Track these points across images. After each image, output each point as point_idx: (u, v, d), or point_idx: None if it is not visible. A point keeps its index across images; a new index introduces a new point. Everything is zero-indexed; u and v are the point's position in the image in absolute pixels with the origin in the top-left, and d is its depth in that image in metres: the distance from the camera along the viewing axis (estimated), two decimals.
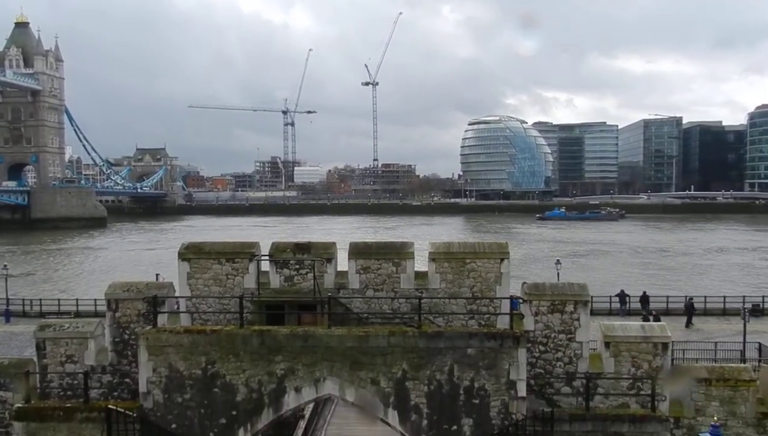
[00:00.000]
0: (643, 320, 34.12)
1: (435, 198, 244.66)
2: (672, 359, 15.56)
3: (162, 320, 15.49)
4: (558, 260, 52.33)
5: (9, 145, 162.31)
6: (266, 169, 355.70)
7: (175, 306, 17.12)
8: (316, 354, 14.58)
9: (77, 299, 53.15)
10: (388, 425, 14.83)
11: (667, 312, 47.32)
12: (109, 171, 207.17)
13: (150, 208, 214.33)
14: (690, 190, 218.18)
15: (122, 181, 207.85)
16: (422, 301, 15.32)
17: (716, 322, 41.88)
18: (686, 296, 45.78)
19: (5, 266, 59.90)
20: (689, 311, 42.12)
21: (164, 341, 14.72)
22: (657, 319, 35.40)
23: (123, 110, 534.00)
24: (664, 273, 73.76)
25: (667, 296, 49.20)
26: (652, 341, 15.02)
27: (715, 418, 14.96)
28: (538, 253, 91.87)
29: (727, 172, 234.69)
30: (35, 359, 16.41)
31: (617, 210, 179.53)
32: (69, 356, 16.08)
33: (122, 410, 14.76)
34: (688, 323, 41.04)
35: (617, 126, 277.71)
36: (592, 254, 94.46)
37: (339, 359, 14.56)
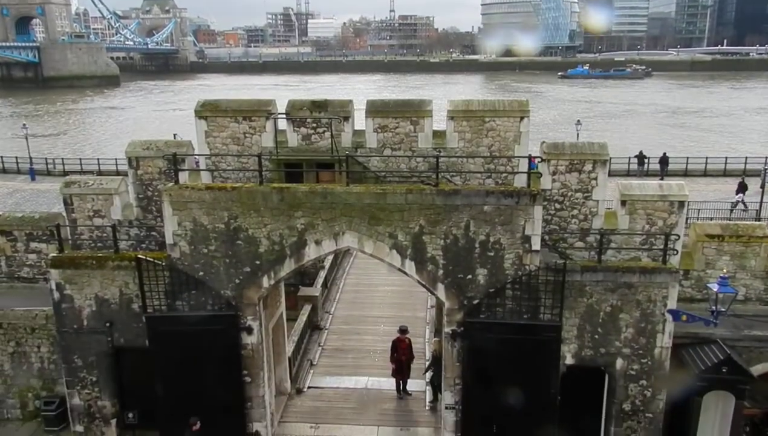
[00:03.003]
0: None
1: (454, 54, 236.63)
2: (687, 218, 15.78)
3: (183, 177, 15.82)
4: (578, 121, 51.60)
5: None
6: (279, 21, 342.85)
7: (194, 164, 17.44)
8: (335, 210, 14.95)
9: (98, 159, 54.04)
10: (405, 274, 15.52)
11: (686, 173, 47.23)
12: (117, 24, 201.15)
13: (162, 65, 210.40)
14: (722, 45, 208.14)
15: (132, 35, 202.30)
16: (440, 160, 15.39)
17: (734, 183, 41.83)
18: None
19: (24, 125, 60.36)
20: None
21: (187, 197, 15.11)
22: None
23: None
24: (689, 134, 72.55)
25: (687, 157, 48.80)
26: (668, 199, 15.17)
27: (725, 270, 15.54)
28: (558, 113, 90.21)
29: (764, 23, 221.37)
30: (64, 214, 17.11)
31: (643, 68, 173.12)
32: (96, 211, 16.70)
33: (151, 260, 15.54)
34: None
35: None
36: (613, 114, 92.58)
37: (357, 215, 14.94)
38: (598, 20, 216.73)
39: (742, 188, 38.05)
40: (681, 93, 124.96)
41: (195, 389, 15.88)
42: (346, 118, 16.36)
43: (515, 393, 15.16)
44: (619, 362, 15.48)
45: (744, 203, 37.23)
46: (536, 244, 14.78)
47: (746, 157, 46.90)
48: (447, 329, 15.68)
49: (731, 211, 36.18)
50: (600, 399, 16.18)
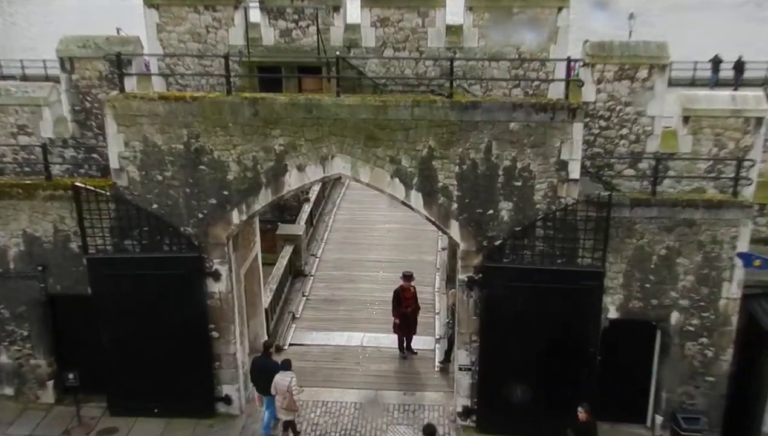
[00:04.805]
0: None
1: None
2: (765, 140, 15.66)
3: (130, 84, 15.62)
4: (631, 14, 50.42)
5: None
6: None
7: (145, 67, 17.19)
8: (323, 128, 14.87)
9: (21, 60, 53.19)
10: (410, 208, 15.59)
11: (767, 82, 46.68)
12: None
13: None
14: None
15: None
16: (455, 63, 15.17)
17: None
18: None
19: None
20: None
21: (135, 109, 14.97)
22: None
23: None
24: None
25: None
26: (743, 114, 15.00)
27: None
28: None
29: None
30: None
31: None
32: (21, 126, 16.50)
33: (92, 188, 15.54)
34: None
35: None
36: (681, 5, 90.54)
37: (351, 134, 14.88)
38: None
39: None
40: None
41: (150, 346, 16.18)
42: (337, 9, 16.06)
43: (545, 352, 15.51)
44: (675, 316, 15.71)
45: None
46: (575, 171, 14.77)
47: None
48: (462, 276, 15.85)
49: None
50: (650, 360, 16.53)
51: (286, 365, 16.06)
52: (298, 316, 22.18)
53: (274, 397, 16.04)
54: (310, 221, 27.36)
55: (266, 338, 19.44)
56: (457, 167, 14.95)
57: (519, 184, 14.96)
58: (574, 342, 15.55)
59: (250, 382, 17.33)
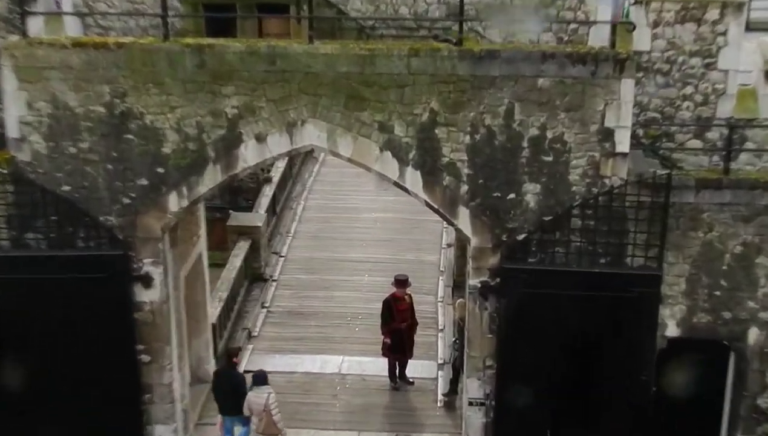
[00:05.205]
0: None
1: None
2: None
3: (36, 26, 15.54)
4: None
5: None
6: None
7: (55, 5, 17.07)
8: (290, 84, 14.84)
9: None
10: (406, 191, 15.63)
11: None
12: None
13: None
14: None
15: None
16: (464, 0, 15.15)
17: None
18: None
19: None
20: None
21: (42, 60, 14.87)
22: None
23: None
24: None
25: None
26: None
27: None
28: None
29: None
30: None
31: None
32: None
33: None
34: None
35: None
36: None
37: (327, 93, 14.84)
38: None
39: None
40: None
41: (57, 376, 16.09)
42: None
43: (582, 382, 15.56)
44: (754, 334, 15.78)
45: None
46: (623, 143, 14.80)
47: None
48: (473, 281, 15.88)
49: None
50: (720, 392, 16.64)
51: (261, 379, 16.27)
52: (255, 334, 22.25)
53: (248, 420, 16.33)
54: (272, 209, 27.39)
55: (212, 362, 19.49)
56: (467, 137, 14.98)
57: (549, 159, 15.00)
58: (620, 369, 15.58)
59: (191, 421, 17.35)
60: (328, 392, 20.02)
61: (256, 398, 15.98)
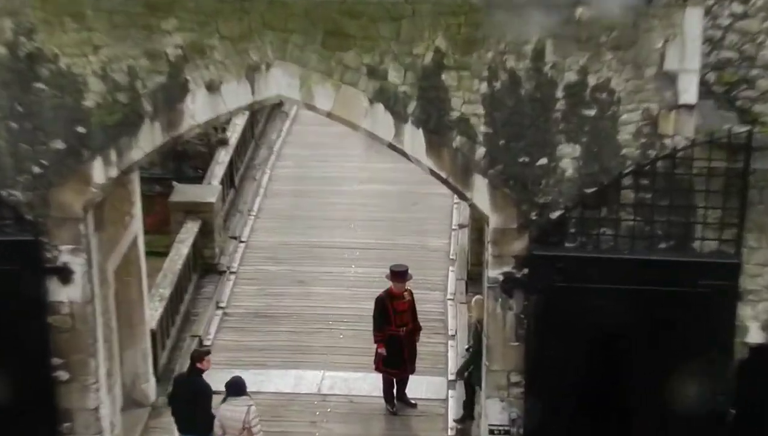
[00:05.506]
0: None
1: None
2: None
3: None
4: None
5: None
6: None
7: None
8: (251, 16, 14.81)
9: None
10: (404, 156, 15.60)
11: None
12: None
13: None
14: None
15: None
16: None
17: None
18: None
19: None
20: None
21: None
22: None
23: None
24: None
25: None
26: None
27: None
28: None
29: None
30: None
31: None
32: None
33: None
34: None
35: None
36: None
37: (300, 28, 14.82)
38: None
39: None
40: None
41: None
42: None
43: (639, 403, 15.47)
44: None
45: None
46: (689, 91, 14.70)
47: None
48: (494, 273, 15.83)
49: None
50: None
51: (237, 388, 16.46)
52: (208, 343, 22.25)
53: None
54: (229, 180, 27.56)
55: (151, 380, 19.46)
56: (484, 85, 14.91)
57: (592, 113, 14.92)
58: (688, 385, 15.50)
59: None
60: (305, 418, 20.11)
61: (231, 412, 16.07)
